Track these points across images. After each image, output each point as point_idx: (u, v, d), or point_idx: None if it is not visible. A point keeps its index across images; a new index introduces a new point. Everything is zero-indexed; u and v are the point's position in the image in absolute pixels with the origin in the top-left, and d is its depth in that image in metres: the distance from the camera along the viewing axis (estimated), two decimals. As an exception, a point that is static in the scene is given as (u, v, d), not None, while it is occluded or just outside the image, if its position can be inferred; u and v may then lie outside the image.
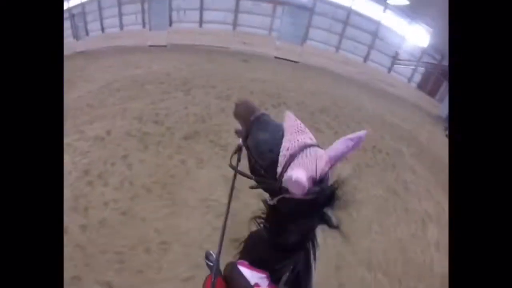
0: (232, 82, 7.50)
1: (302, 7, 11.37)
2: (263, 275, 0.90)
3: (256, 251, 1.03)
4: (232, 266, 0.99)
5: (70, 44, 11.20)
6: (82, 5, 12.39)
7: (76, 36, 12.23)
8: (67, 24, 11.13)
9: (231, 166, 1.10)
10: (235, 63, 9.79)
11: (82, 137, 4.50)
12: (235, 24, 11.29)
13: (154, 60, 9.16)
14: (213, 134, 4.92)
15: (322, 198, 0.76)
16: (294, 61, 11.31)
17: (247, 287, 0.86)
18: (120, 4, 13.07)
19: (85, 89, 6.40)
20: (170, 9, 12.62)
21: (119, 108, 5.54)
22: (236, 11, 11.19)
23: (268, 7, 11.43)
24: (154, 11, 13.06)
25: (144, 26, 13.73)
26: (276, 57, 11.47)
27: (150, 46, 12.02)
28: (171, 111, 5.52)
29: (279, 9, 11.45)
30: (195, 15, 12.05)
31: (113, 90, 6.42)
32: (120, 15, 13.66)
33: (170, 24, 12.82)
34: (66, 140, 4.20)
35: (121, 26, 13.59)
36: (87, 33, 12.92)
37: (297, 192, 0.73)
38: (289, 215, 0.86)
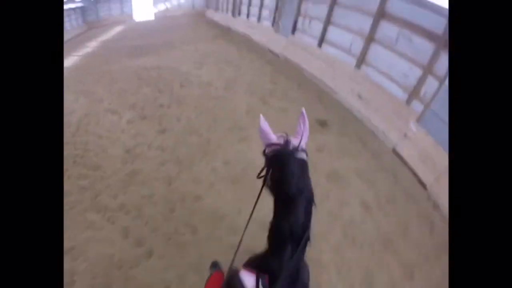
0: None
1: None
2: (265, 277, 0.95)
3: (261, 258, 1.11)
4: (233, 273, 1.04)
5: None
6: None
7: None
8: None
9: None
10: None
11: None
12: (361, 61, 6.28)
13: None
14: None
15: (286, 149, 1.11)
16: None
17: None
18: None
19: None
20: (298, 13, 8.88)
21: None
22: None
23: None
24: (286, 10, 9.78)
25: (272, 24, 10.91)
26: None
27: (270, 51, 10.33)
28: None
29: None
30: (318, 28, 7.78)
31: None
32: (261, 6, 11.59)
33: (293, 31, 9.28)
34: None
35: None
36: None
37: (263, 140, 1.19)
38: (276, 163, 1.11)
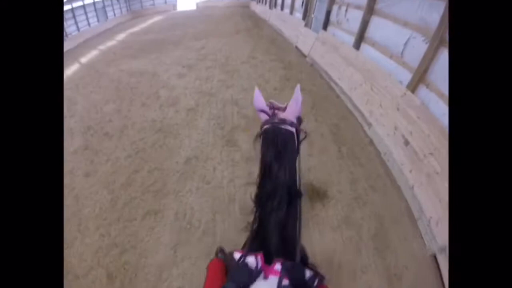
0: None
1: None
2: (258, 256, 0.89)
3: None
4: (228, 254, 1.01)
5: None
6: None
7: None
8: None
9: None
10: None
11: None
12: (420, 78, 3.69)
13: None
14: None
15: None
16: None
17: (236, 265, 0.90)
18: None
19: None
20: (331, 3, 6.44)
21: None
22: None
23: None
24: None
25: (303, 17, 8.54)
26: None
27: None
28: None
29: None
30: (355, 24, 5.25)
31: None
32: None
33: (325, 27, 6.81)
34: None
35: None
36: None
37: (256, 107, 1.20)
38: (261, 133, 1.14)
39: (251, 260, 0.88)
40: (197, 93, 5.65)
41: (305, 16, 8.57)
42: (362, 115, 4.34)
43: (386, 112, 3.79)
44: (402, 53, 4.02)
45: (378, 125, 3.88)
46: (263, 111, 1.20)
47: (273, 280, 0.83)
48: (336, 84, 5.44)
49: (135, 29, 16.82)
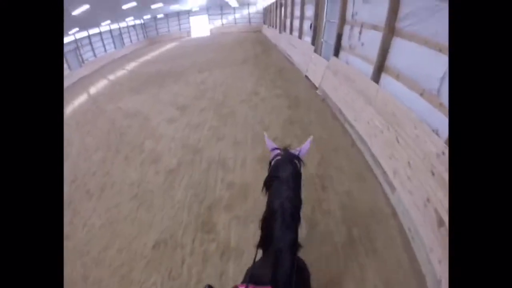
0: None
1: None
2: None
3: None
4: None
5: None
6: None
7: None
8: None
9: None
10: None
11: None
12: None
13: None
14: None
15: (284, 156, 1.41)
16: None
17: None
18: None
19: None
20: (342, 20, 5.49)
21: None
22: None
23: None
24: (329, 17, 6.55)
25: (312, 42, 7.67)
26: None
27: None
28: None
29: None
30: (372, 48, 4.21)
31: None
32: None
33: (336, 53, 5.83)
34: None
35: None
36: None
37: (268, 148, 1.56)
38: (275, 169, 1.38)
39: None
40: (183, 148, 4.75)
41: (314, 40, 7.69)
42: (384, 173, 3.17)
43: (415, 175, 2.62)
44: (438, 90, 2.88)
45: (404, 191, 2.72)
46: (275, 148, 1.52)
47: None
48: (352, 126, 4.33)
49: (146, 57, 16.86)
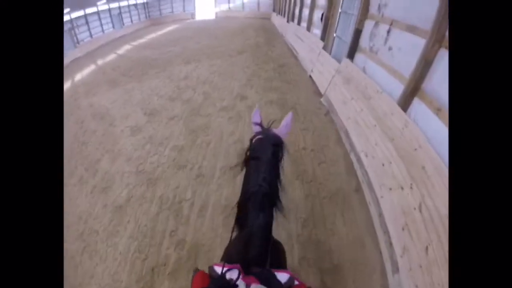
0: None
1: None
2: (236, 269, 0.94)
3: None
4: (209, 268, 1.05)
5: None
6: None
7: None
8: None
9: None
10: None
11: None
12: None
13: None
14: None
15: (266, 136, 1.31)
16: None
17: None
18: None
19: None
20: (362, 17, 4.15)
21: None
22: None
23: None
24: (344, 9, 5.22)
25: (322, 38, 6.31)
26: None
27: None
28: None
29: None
30: (404, 58, 2.95)
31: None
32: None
33: (351, 54, 4.51)
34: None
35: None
36: None
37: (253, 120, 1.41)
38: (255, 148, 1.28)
39: (231, 272, 0.93)
40: (137, 175, 3.61)
41: (324, 34, 6.33)
42: (390, 245, 2.06)
43: (433, 263, 1.66)
44: None
45: (407, 278, 1.83)
46: (258, 124, 1.40)
47: None
48: (360, 162, 3.11)
49: (142, 40, 15.48)
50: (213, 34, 13.67)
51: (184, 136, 4.30)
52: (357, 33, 4.32)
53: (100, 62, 11.47)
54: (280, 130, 1.39)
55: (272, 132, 1.36)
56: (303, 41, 8.11)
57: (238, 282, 0.88)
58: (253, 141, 1.30)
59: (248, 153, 1.27)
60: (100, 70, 9.93)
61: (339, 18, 5.74)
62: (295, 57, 8.17)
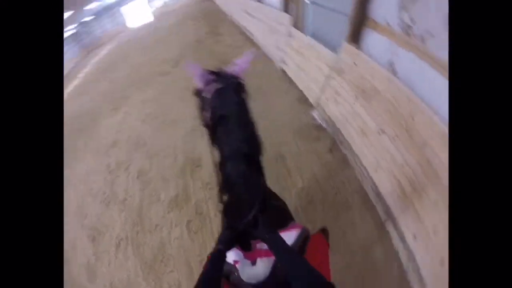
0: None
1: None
2: (237, 251, 0.88)
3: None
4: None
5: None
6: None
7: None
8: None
9: None
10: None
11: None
12: None
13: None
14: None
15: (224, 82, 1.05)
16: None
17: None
18: None
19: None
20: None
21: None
22: None
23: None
24: None
25: (285, 6, 4.13)
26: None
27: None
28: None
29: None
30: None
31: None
32: None
33: (354, 34, 2.45)
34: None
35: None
36: None
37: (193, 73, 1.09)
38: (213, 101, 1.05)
39: (231, 253, 0.85)
40: None
41: (286, 2, 4.16)
42: None
43: None
44: None
45: None
46: (203, 74, 1.10)
47: (261, 263, 0.80)
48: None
49: (75, 81, 12.86)
50: (142, 45, 10.95)
51: (144, 278, 2.43)
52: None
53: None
54: (235, 68, 1.14)
55: (228, 73, 1.11)
56: (258, 18, 5.87)
57: (241, 261, 0.82)
58: (212, 94, 1.04)
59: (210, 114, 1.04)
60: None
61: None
62: (252, 42, 5.99)
